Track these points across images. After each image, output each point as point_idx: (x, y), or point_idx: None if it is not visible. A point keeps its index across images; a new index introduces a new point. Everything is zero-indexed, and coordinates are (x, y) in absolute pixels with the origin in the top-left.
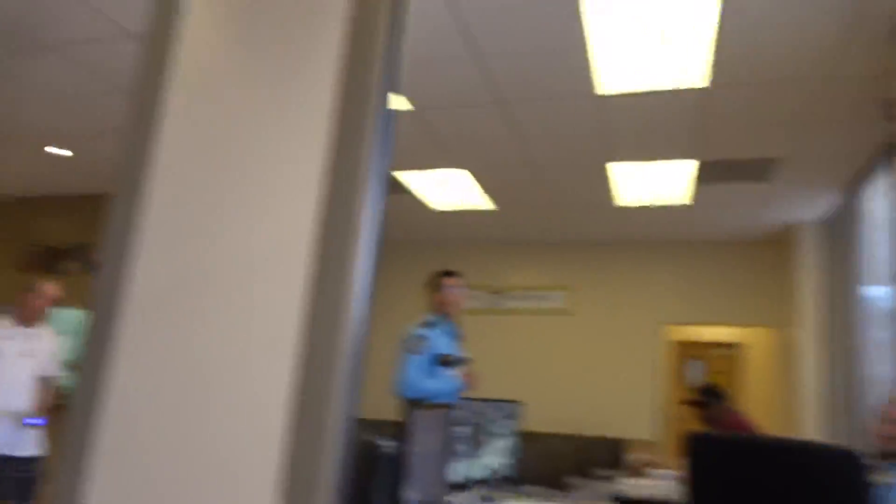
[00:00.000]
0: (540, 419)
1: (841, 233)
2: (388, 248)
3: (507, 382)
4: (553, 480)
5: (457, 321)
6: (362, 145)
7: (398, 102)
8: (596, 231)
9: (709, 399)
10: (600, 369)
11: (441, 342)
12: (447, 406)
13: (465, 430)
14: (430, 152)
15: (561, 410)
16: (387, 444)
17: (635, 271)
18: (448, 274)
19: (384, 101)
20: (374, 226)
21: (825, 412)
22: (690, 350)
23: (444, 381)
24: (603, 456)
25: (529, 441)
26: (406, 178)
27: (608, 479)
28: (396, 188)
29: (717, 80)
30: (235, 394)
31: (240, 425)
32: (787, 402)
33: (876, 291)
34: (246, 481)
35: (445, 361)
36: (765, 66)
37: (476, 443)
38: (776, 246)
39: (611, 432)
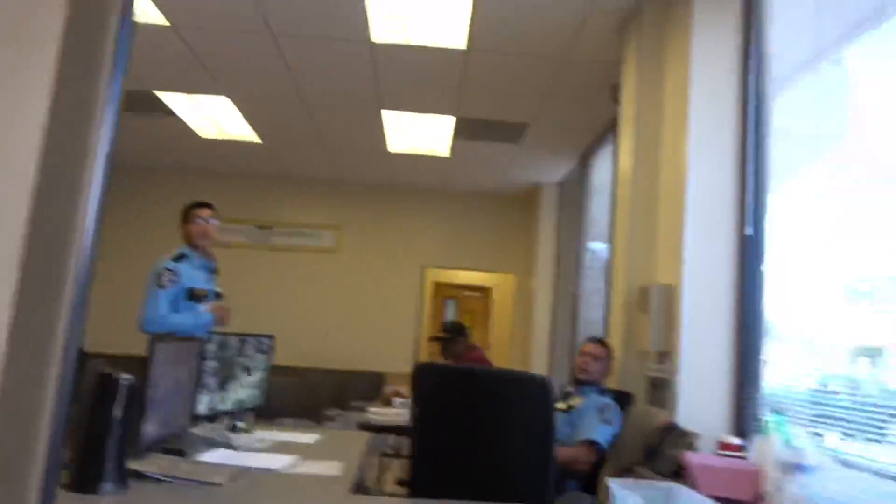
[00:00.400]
0: (305, 354)
1: (573, 195)
2: (153, 175)
3: (274, 319)
4: (313, 412)
5: (211, 255)
6: (95, 59)
7: (146, 15)
8: (367, 174)
9: (450, 335)
10: (366, 307)
11: (193, 276)
12: (194, 339)
13: (213, 364)
14: (193, 75)
15: (327, 346)
16: (126, 377)
17: (401, 216)
18: (200, 205)
19: (125, 11)
20: (107, 148)
21: (553, 348)
22: (447, 291)
23: (194, 317)
24: (364, 389)
25: (293, 375)
26: (170, 100)
27: (363, 409)
28: (159, 109)
29: (474, 44)
30: None
31: None
32: (525, 339)
33: (596, 247)
34: None
35: (195, 296)
36: (516, 39)
37: (225, 376)
38: (523, 202)
39: (374, 367)
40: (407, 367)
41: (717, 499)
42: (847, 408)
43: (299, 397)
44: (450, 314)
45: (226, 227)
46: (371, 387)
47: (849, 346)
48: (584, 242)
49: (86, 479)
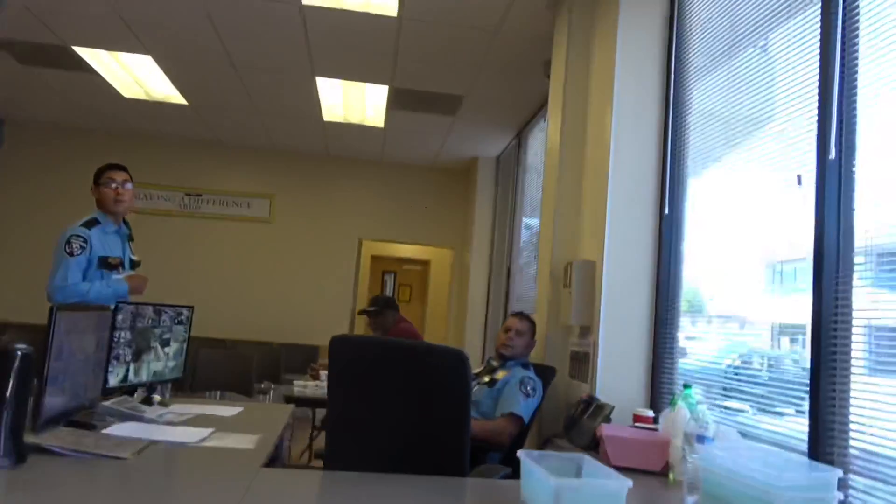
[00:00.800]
0: (237, 326)
1: (509, 170)
2: (75, 135)
3: (204, 289)
4: (244, 385)
5: (123, 220)
6: None
7: None
8: (301, 143)
9: (379, 308)
10: (300, 279)
11: (105, 243)
12: (102, 308)
13: (125, 335)
14: (113, 31)
15: (260, 318)
16: (21, 347)
17: (337, 186)
18: (112, 167)
19: None
20: None
21: (487, 321)
22: (385, 264)
23: (107, 286)
24: (298, 362)
25: (224, 347)
26: (90, 56)
27: (292, 382)
28: (80, 66)
29: (405, 11)
30: None
31: None
32: (461, 313)
33: (528, 222)
34: None
35: (108, 264)
36: (447, 8)
37: (140, 348)
38: (461, 176)
39: (309, 340)
40: None
41: (626, 469)
42: (762, 383)
43: (230, 370)
44: (388, 288)
45: (153, 193)
46: (305, 360)
47: (771, 324)
48: (519, 218)
49: None
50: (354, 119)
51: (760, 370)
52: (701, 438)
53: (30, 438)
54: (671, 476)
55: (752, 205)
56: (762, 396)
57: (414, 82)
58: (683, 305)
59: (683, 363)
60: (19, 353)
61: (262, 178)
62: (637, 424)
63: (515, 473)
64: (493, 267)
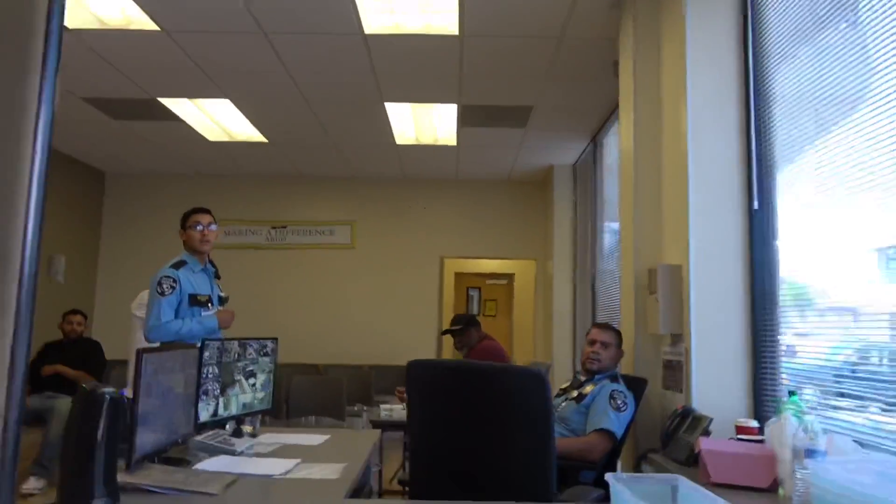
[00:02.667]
0: (328, 352)
1: (587, 176)
2: (169, 181)
3: (293, 318)
4: (337, 409)
5: (207, 259)
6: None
7: (137, 22)
8: (377, 168)
9: (461, 326)
10: (386, 301)
11: (193, 282)
12: (188, 347)
13: (213, 370)
14: (192, 80)
15: (349, 342)
16: (109, 391)
17: (416, 208)
18: (197, 211)
19: (51, 13)
20: (42, 162)
21: (575, 331)
22: (469, 280)
23: (198, 322)
24: (388, 383)
25: (315, 373)
26: (174, 106)
27: (386, 403)
28: (166, 116)
29: (466, 28)
30: None
31: None
32: (547, 324)
33: (610, 227)
34: None
35: (197, 301)
36: (508, 21)
37: (227, 381)
38: (538, 186)
39: (397, 361)
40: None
41: (729, 487)
42: (884, 380)
43: (323, 395)
44: (473, 303)
45: (241, 228)
46: (395, 381)
47: (890, 314)
48: (600, 224)
49: (74, 496)
50: (426, 140)
51: (880, 366)
52: (811, 452)
53: (123, 478)
54: (781, 492)
55: (855, 187)
56: (884, 395)
57: (482, 98)
58: (784, 302)
59: (789, 364)
60: (108, 397)
61: (342, 205)
62: (740, 437)
63: (608, 495)
64: (576, 276)
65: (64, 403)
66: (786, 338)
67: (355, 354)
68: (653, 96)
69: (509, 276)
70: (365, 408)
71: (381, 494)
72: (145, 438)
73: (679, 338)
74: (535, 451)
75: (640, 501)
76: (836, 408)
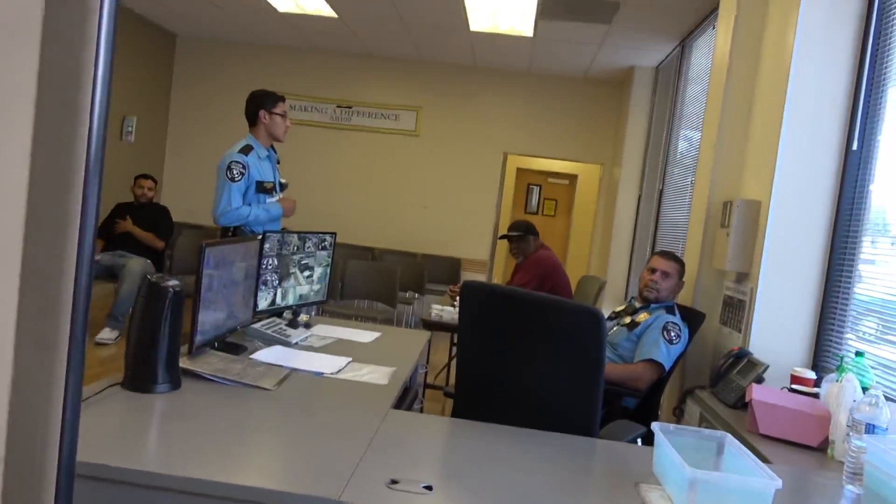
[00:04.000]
0: (383, 236)
1: (668, 82)
2: (237, 50)
3: (353, 199)
4: (389, 294)
5: (271, 146)
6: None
7: None
8: (448, 54)
9: (520, 233)
10: (445, 192)
11: (260, 168)
12: (247, 238)
13: (272, 261)
14: None
15: (405, 229)
16: (172, 284)
17: (483, 99)
18: (281, 98)
19: None
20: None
21: (634, 245)
22: (530, 177)
23: (263, 210)
24: (441, 273)
25: (370, 257)
26: None
27: (439, 293)
28: None
29: None
30: None
31: None
32: (606, 233)
33: (686, 142)
34: None
35: (263, 188)
36: None
37: (286, 273)
38: (614, 87)
39: (452, 252)
40: (484, 255)
41: (777, 440)
42: None
43: (376, 280)
44: (532, 201)
45: (308, 105)
46: (448, 272)
47: None
48: (676, 135)
49: (139, 380)
50: (502, 29)
51: None
52: (871, 427)
53: (185, 363)
54: (830, 453)
55: None
56: None
57: None
58: (866, 257)
59: (858, 318)
60: (171, 290)
61: (409, 90)
62: (794, 386)
63: (649, 432)
64: (644, 186)
65: (135, 263)
66: (861, 294)
67: (410, 242)
68: (758, 2)
69: (572, 178)
70: (416, 296)
71: (425, 392)
72: (206, 325)
73: (745, 276)
74: (582, 387)
75: (686, 465)
76: None
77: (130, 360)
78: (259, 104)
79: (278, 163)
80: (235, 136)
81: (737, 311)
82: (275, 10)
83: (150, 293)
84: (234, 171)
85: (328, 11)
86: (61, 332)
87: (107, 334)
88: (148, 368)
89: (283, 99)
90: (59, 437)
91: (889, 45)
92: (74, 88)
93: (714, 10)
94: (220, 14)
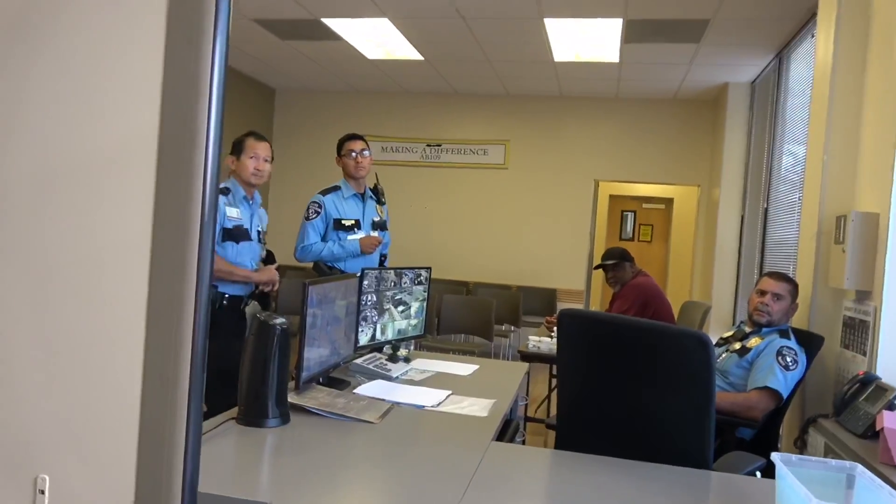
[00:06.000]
0: (478, 270)
1: (767, 96)
2: (331, 98)
3: (446, 235)
4: (485, 328)
5: (375, 186)
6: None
7: None
8: (533, 86)
9: (615, 261)
10: (537, 223)
11: (341, 207)
12: (347, 276)
13: (371, 297)
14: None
15: (499, 262)
16: (279, 322)
17: (571, 128)
18: (351, 138)
19: None
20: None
21: (739, 268)
22: (624, 203)
23: (339, 246)
24: (537, 305)
25: (466, 291)
26: (336, 25)
27: (535, 325)
28: (328, 35)
29: None
30: (90, 291)
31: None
32: (708, 257)
33: (790, 157)
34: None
35: (341, 225)
36: None
37: (384, 308)
38: (708, 106)
39: (546, 283)
40: (580, 284)
41: None
42: None
43: (472, 313)
44: (627, 227)
45: (398, 145)
46: (544, 303)
47: None
48: (778, 151)
49: (252, 415)
50: (587, 57)
51: None
52: None
53: (293, 398)
54: None
55: None
56: None
57: (650, 11)
58: None
59: None
60: (279, 328)
61: (497, 124)
62: None
63: (770, 464)
64: (746, 206)
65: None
66: None
67: (505, 274)
68: (861, 3)
69: (668, 201)
70: (513, 328)
71: (526, 425)
72: (311, 361)
73: (866, 294)
74: (692, 416)
75: (813, 497)
76: None
77: (243, 396)
78: (337, 151)
79: (381, 203)
80: (333, 180)
81: (859, 332)
82: (364, 57)
83: (260, 331)
84: (310, 211)
85: (415, 55)
86: (182, 369)
87: None
88: (259, 404)
89: (351, 138)
90: (181, 470)
91: None
92: (190, 149)
93: (812, 18)
94: (314, 66)
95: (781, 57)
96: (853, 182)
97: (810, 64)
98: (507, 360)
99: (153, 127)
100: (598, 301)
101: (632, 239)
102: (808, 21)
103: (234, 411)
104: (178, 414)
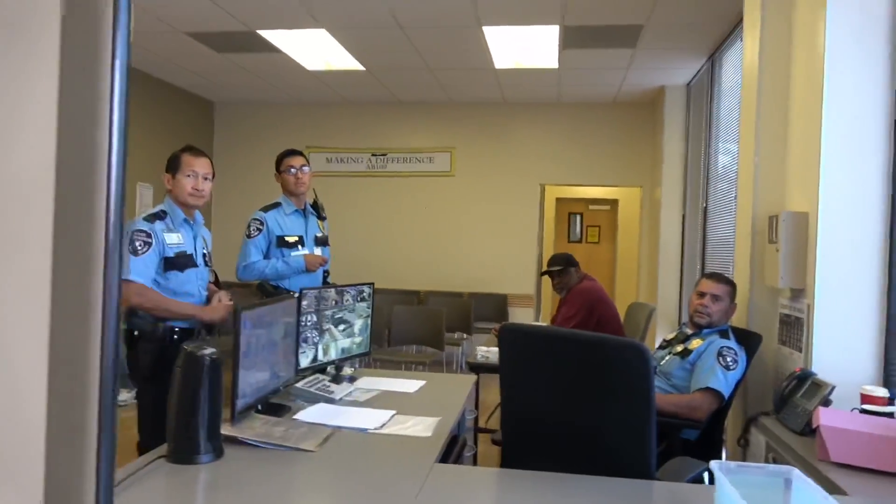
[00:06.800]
0: (427, 279)
1: (700, 98)
2: (272, 111)
3: (394, 244)
4: (436, 337)
5: (315, 202)
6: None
7: None
8: (476, 94)
9: (560, 267)
10: (485, 229)
11: (283, 223)
12: (285, 297)
13: (311, 318)
14: (289, 11)
15: (448, 270)
16: (208, 352)
17: (516, 133)
18: (289, 154)
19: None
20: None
21: (683, 266)
22: (571, 206)
23: (283, 263)
24: (488, 311)
25: (415, 301)
26: (273, 37)
27: (487, 331)
28: (266, 47)
29: None
30: None
31: None
32: (653, 255)
33: (726, 157)
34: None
35: (284, 242)
36: None
37: (326, 328)
38: (646, 109)
39: (497, 289)
40: (531, 289)
41: (851, 468)
42: None
43: (423, 323)
44: (575, 229)
45: (343, 157)
46: (495, 309)
47: None
48: (715, 150)
49: (182, 451)
50: (527, 63)
51: None
52: None
53: (227, 430)
54: None
55: None
56: None
57: (585, 18)
58: None
59: None
60: (208, 359)
61: (442, 132)
62: (865, 406)
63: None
64: (687, 205)
65: None
66: None
67: (455, 282)
68: (784, 6)
69: (613, 203)
70: (465, 336)
71: (477, 437)
72: (248, 389)
73: (800, 292)
74: (634, 426)
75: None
76: None
77: (172, 432)
78: (276, 168)
79: (322, 218)
80: (277, 195)
81: (795, 329)
82: (304, 69)
83: (187, 364)
84: (251, 228)
85: (356, 66)
86: (88, 417)
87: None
88: (190, 439)
89: (290, 154)
90: None
91: None
92: (89, 176)
93: (741, 22)
94: (254, 79)
95: (714, 60)
96: (783, 182)
97: (740, 66)
98: (461, 368)
99: (49, 155)
100: (549, 305)
101: (580, 241)
102: (737, 25)
103: (162, 449)
104: (86, 463)
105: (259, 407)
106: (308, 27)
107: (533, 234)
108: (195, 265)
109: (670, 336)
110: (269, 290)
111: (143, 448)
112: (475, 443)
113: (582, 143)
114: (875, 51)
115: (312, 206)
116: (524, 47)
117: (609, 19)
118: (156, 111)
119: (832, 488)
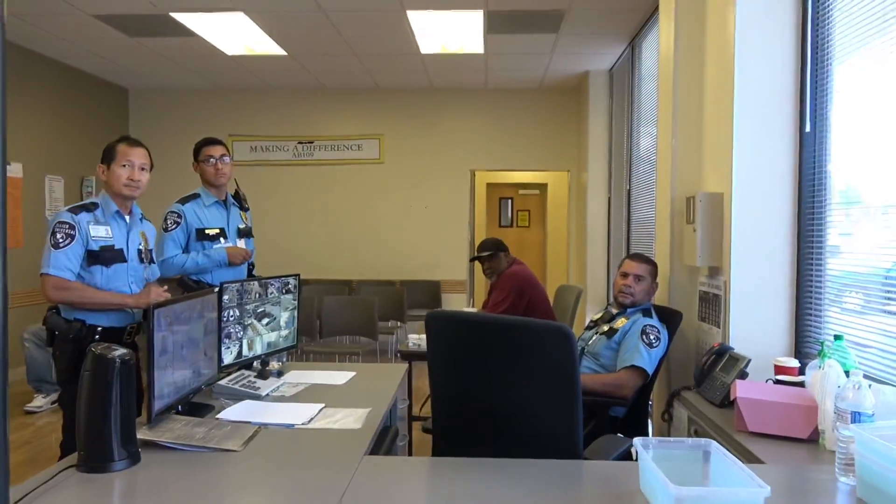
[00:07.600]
0: (359, 268)
1: (623, 83)
2: (192, 97)
3: (324, 234)
4: (369, 326)
5: (237, 193)
6: None
7: None
8: (403, 80)
9: (490, 252)
10: (417, 216)
11: (204, 215)
12: (204, 292)
13: (234, 312)
14: None
15: (381, 258)
16: (119, 354)
17: (444, 119)
18: (208, 143)
19: None
20: None
21: (610, 246)
22: (502, 191)
23: (203, 256)
24: (422, 298)
25: (348, 290)
26: (188, 20)
27: (421, 318)
28: (180, 31)
29: None
30: None
31: None
32: (581, 237)
33: (647, 140)
34: None
35: (205, 235)
36: None
37: (250, 323)
38: (571, 94)
39: (430, 276)
40: (463, 275)
41: (767, 436)
42: None
43: (355, 313)
44: (505, 214)
45: (268, 145)
46: (429, 296)
47: None
48: (636, 134)
49: (94, 459)
50: (453, 49)
51: None
52: (857, 416)
53: (144, 434)
54: (821, 443)
55: None
56: None
57: (509, 2)
58: (834, 237)
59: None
60: (118, 360)
61: (370, 118)
62: (779, 377)
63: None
64: (612, 188)
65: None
66: (834, 274)
67: (387, 270)
68: None
69: (542, 187)
70: (399, 324)
71: (411, 425)
72: (165, 389)
73: (717, 270)
74: (560, 407)
75: (670, 483)
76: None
77: (83, 439)
78: (194, 157)
79: (245, 209)
80: (195, 186)
81: (713, 305)
82: (223, 53)
83: (96, 366)
84: (168, 221)
85: (277, 50)
86: None
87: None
88: (102, 446)
89: (209, 143)
90: None
91: (829, 23)
92: None
93: (658, 8)
94: (170, 64)
95: (634, 45)
96: (700, 164)
97: (658, 51)
98: (396, 356)
99: None
100: (482, 290)
101: (511, 225)
102: (654, 11)
103: (73, 457)
104: None
105: (179, 408)
106: (224, 10)
107: (464, 219)
108: (124, 260)
109: (596, 316)
110: (190, 285)
111: (66, 448)
112: (409, 432)
113: (510, 128)
114: (782, 36)
115: (234, 196)
116: (449, 32)
117: (532, 4)
118: (64, 99)
119: (749, 457)
